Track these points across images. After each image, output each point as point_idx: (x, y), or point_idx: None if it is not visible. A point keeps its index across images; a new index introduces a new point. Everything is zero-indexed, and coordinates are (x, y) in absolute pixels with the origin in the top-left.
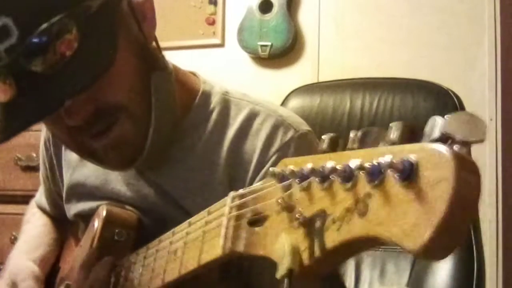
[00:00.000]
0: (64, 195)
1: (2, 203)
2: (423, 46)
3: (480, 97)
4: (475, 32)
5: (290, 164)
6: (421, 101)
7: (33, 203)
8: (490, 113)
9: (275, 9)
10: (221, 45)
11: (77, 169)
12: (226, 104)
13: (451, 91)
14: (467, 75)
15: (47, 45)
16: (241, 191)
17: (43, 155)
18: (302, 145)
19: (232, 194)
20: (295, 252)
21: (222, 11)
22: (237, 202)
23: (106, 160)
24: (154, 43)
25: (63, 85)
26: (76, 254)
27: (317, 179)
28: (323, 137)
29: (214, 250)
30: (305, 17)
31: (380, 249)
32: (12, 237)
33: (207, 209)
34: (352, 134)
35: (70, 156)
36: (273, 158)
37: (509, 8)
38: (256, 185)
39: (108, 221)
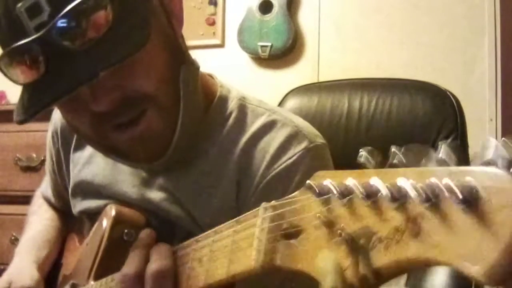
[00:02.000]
0: (70, 191)
1: (2, 203)
2: (423, 47)
3: (480, 97)
4: (475, 32)
5: (327, 177)
6: (419, 102)
7: (38, 193)
8: (490, 113)
9: (275, 9)
10: (221, 45)
11: (86, 166)
12: (242, 110)
13: (449, 92)
14: (467, 75)
15: (80, 22)
16: (274, 202)
17: (50, 148)
18: (315, 157)
19: (264, 204)
20: (339, 270)
21: (222, 12)
22: (270, 213)
23: (131, 154)
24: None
25: (96, 59)
26: (82, 253)
27: (361, 195)
28: (360, 151)
29: (246, 261)
30: (305, 17)
31: None
32: (12, 237)
33: (236, 219)
34: (394, 149)
35: (79, 153)
36: (283, 166)
37: (509, 8)
38: (291, 196)
39: (117, 221)
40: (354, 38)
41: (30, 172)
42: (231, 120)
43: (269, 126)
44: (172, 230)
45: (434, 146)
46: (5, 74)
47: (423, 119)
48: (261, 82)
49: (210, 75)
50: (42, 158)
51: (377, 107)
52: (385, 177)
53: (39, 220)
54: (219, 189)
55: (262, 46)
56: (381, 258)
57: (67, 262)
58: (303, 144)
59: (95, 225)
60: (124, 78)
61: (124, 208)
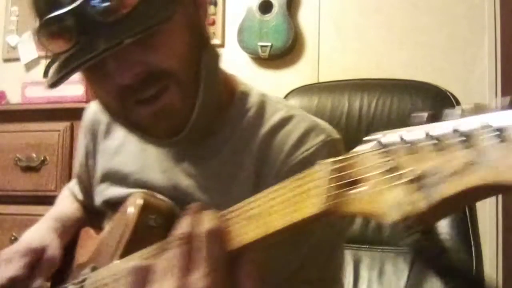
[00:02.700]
0: (96, 180)
1: (2, 203)
2: (423, 47)
3: (480, 97)
4: (475, 32)
5: (390, 133)
6: (419, 102)
7: (65, 189)
8: None
9: (275, 9)
10: (221, 45)
11: (115, 156)
12: (262, 105)
13: (449, 92)
14: (467, 75)
15: None
16: (336, 158)
17: (81, 144)
18: (332, 150)
19: (328, 160)
20: (411, 201)
21: (222, 12)
22: (331, 167)
23: (152, 128)
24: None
25: (122, 30)
26: (102, 240)
27: (428, 142)
28: (421, 114)
29: (307, 209)
30: (305, 17)
31: (379, 250)
32: (12, 237)
33: (295, 176)
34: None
35: (108, 143)
36: (300, 157)
37: (509, 8)
38: (354, 151)
39: (145, 207)
40: (354, 38)
41: (30, 172)
42: (251, 113)
43: (287, 120)
44: None
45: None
46: (42, 44)
47: None
48: (261, 82)
49: (232, 75)
50: (42, 158)
51: (377, 108)
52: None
53: (64, 206)
54: (238, 178)
55: (262, 46)
56: (453, 188)
57: (82, 253)
58: (321, 137)
59: (117, 214)
60: (148, 53)
61: (149, 196)
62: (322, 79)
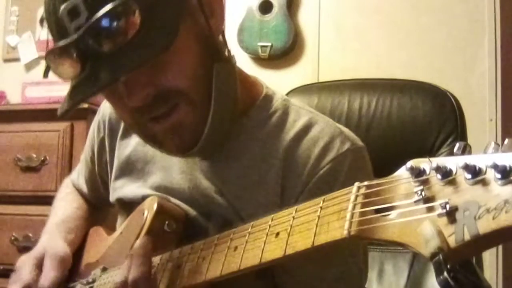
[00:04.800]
0: (113, 176)
1: (2, 204)
2: (423, 47)
3: (480, 97)
4: (475, 32)
5: (424, 162)
6: (419, 103)
7: (68, 182)
8: (490, 113)
9: (275, 9)
10: None
11: (134, 153)
12: (286, 110)
13: (449, 92)
14: (467, 75)
15: (110, 25)
16: (367, 182)
17: (92, 137)
18: (358, 158)
19: (357, 183)
20: (442, 236)
21: None
22: (365, 191)
23: (165, 144)
24: (221, 38)
25: (119, 63)
26: (115, 241)
27: (464, 174)
28: (457, 144)
29: (335, 232)
30: (305, 17)
31: (378, 250)
32: (12, 237)
33: (320, 198)
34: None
35: (127, 140)
36: (327, 166)
37: (509, 8)
38: (386, 177)
39: (159, 212)
40: (354, 38)
41: (30, 172)
42: (274, 118)
43: (311, 126)
44: (210, 218)
45: (434, 147)
46: (52, 70)
47: (423, 120)
48: None
49: (255, 77)
50: (42, 158)
51: (377, 108)
52: (488, 158)
53: (67, 207)
54: (264, 185)
55: (262, 46)
56: (488, 226)
57: (92, 252)
58: (346, 145)
59: (131, 216)
60: (156, 75)
61: (165, 201)
62: (322, 79)
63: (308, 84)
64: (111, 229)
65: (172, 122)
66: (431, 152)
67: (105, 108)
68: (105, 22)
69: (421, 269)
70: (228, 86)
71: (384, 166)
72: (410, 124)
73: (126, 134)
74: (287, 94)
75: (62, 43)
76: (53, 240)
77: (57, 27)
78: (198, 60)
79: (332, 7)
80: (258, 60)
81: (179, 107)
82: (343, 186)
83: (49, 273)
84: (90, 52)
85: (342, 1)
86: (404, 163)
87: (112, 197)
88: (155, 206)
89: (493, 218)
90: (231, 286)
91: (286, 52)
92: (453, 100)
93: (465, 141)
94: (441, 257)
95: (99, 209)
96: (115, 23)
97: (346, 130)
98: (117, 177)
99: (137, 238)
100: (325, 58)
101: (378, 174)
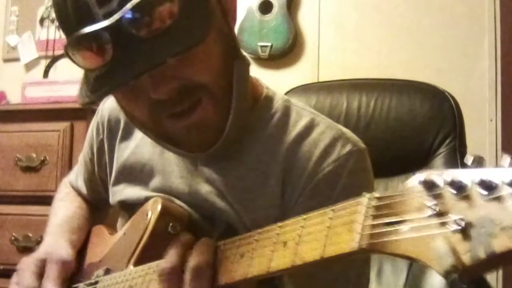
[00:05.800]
0: (112, 179)
1: (2, 204)
2: (423, 47)
3: (480, 97)
4: (475, 32)
5: (437, 175)
6: (417, 103)
7: (66, 183)
8: (490, 114)
9: (275, 9)
10: None
11: (132, 156)
12: (287, 111)
13: (447, 92)
14: (467, 75)
15: (148, 12)
16: (377, 194)
17: (91, 138)
18: (359, 160)
19: (368, 195)
20: (456, 253)
21: None
22: (376, 203)
23: (184, 142)
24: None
25: (162, 48)
26: (118, 241)
27: (479, 190)
28: (467, 156)
29: (345, 244)
30: (305, 17)
31: None
32: (12, 237)
33: (330, 208)
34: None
35: (126, 143)
36: (328, 169)
37: (509, 8)
38: (398, 190)
39: (163, 213)
40: (354, 38)
41: (30, 172)
42: (275, 120)
43: (312, 127)
44: (213, 222)
45: (432, 147)
46: (72, 59)
47: (422, 120)
48: None
49: (256, 77)
50: (42, 158)
51: (375, 108)
52: (503, 175)
53: (68, 207)
54: (265, 187)
55: (262, 46)
56: (504, 244)
57: (95, 251)
58: (347, 147)
59: (134, 217)
60: (182, 68)
61: (169, 202)
62: (322, 79)
63: (306, 84)
64: (112, 228)
65: (195, 118)
66: (429, 152)
67: (104, 110)
68: (143, 8)
69: (419, 269)
70: (247, 84)
71: (383, 166)
72: (408, 124)
73: (125, 137)
74: (286, 94)
75: (90, 29)
76: (57, 242)
77: (78, 14)
78: (220, 55)
79: (332, 7)
80: (258, 60)
81: (201, 103)
82: (344, 189)
83: (52, 280)
84: (126, 38)
85: (342, 1)
86: (403, 163)
87: (113, 200)
88: (159, 207)
89: (509, 237)
90: None
91: (286, 52)
92: (451, 100)
93: (464, 140)
94: (456, 276)
95: (98, 208)
96: (153, 10)
97: (347, 131)
98: (117, 182)
99: (140, 239)
100: (325, 58)
101: (377, 174)
